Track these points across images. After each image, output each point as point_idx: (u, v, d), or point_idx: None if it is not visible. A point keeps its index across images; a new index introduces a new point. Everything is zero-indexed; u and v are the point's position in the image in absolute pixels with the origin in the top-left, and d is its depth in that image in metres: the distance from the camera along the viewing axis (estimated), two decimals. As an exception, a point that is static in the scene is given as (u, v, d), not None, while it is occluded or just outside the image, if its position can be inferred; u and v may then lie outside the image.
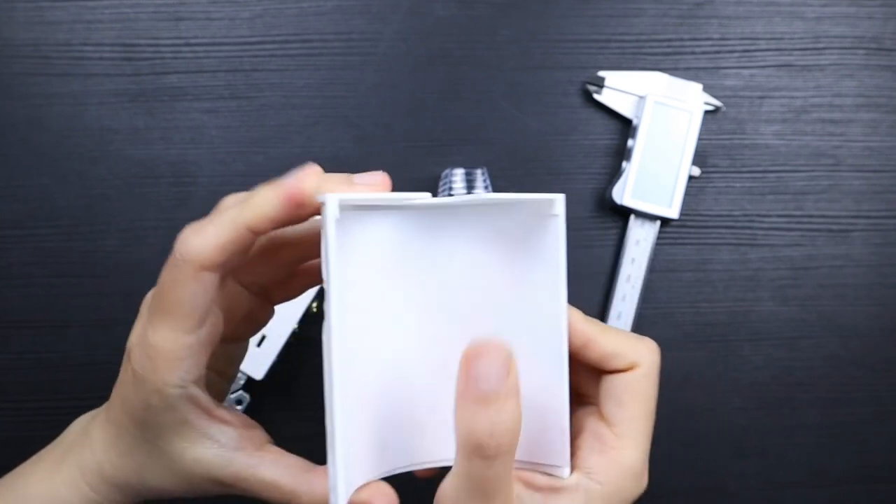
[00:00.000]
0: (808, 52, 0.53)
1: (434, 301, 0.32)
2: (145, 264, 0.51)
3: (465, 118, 0.52)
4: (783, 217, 0.53)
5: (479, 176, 0.50)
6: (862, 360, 0.53)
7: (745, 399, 0.53)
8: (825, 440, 0.53)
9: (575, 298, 0.53)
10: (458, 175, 0.50)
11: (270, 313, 0.36)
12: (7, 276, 0.50)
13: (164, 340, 0.29)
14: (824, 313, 0.53)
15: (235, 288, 0.34)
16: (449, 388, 0.27)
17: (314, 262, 0.35)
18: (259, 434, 0.33)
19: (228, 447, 0.31)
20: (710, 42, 0.53)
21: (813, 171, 0.53)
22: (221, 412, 0.32)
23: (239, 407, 0.48)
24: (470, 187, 0.50)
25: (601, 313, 0.52)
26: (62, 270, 0.50)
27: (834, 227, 0.53)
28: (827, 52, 0.53)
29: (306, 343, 0.49)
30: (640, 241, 0.51)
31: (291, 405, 0.51)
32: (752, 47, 0.53)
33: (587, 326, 0.32)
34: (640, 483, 0.32)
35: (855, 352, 0.53)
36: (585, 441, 0.31)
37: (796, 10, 0.53)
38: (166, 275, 0.29)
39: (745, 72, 0.53)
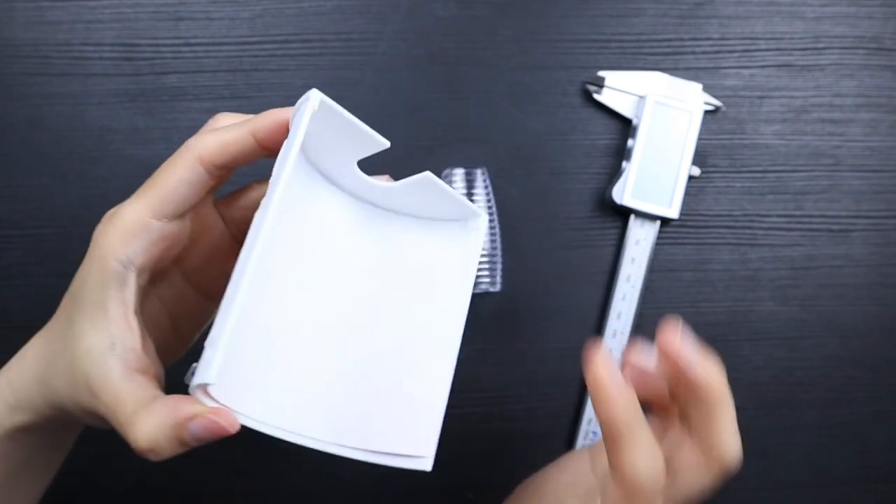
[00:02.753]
0: (808, 52, 0.53)
1: (348, 279, 0.32)
2: (145, 264, 0.51)
3: (465, 118, 0.52)
4: (783, 217, 0.53)
5: (479, 176, 0.50)
6: (862, 360, 0.53)
7: (745, 399, 0.53)
8: (825, 440, 0.53)
9: (575, 298, 0.53)
10: (458, 175, 0.50)
11: None
12: (7, 276, 0.50)
13: (131, 212, 0.30)
14: (824, 313, 0.53)
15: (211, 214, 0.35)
16: (331, 366, 0.29)
17: None
18: (151, 364, 0.31)
19: (117, 353, 0.29)
20: (710, 42, 0.53)
21: (813, 171, 0.53)
22: (134, 321, 0.30)
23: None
24: (470, 187, 0.50)
25: (601, 313, 0.52)
26: (62, 270, 0.50)
27: (834, 227, 0.53)
28: (827, 52, 0.53)
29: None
30: (640, 241, 0.51)
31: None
32: (752, 47, 0.53)
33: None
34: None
35: (855, 352, 0.53)
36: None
37: (796, 10, 0.53)
38: (167, 160, 0.31)
39: (745, 72, 0.53)
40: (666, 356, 0.31)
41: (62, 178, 0.50)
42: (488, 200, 0.50)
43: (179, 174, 0.30)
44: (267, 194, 0.29)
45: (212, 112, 0.51)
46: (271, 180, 0.29)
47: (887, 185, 0.53)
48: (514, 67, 0.52)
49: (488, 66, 0.52)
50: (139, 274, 0.31)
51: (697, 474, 0.31)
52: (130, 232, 0.30)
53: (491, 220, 0.50)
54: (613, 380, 0.29)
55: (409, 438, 0.31)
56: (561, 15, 0.52)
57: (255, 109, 0.51)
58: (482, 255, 0.49)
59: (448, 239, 0.33)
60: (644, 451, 0.29)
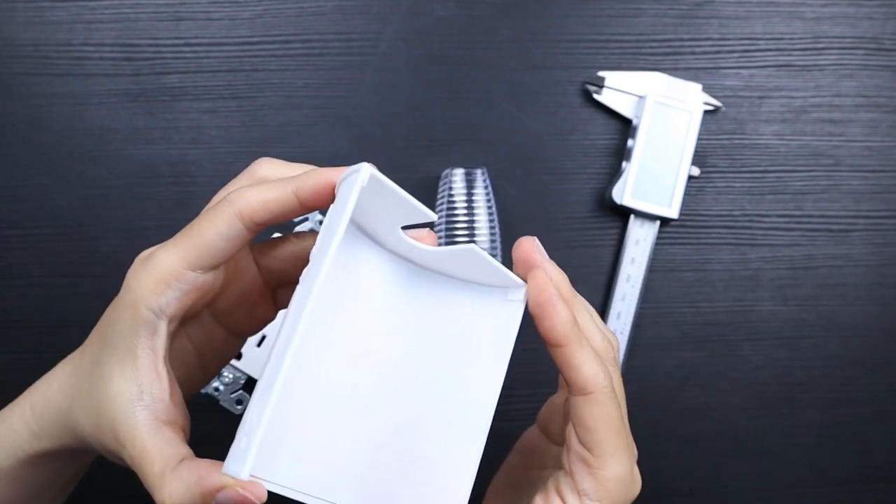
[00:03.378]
0: (808, 52, 0.53)
1: (381, 340, 0.32)
2: (145, 264, 0.51)
3: (465, 118, 0.52)
4: (783, 217, 0.53)
5: (479, 176, 0.50)
6: (862, 360, 0.53)
7: (745, 399, 0.53)
8: (825, 440, 0.53)
9: (575, 298, 0.53)
10: (458, 175, 0.50)
11: (272, 314, 0.36)
12: (7, 276, 0.50)
13: (167, 261, 0.30)
14: (824, 313, 0.53)
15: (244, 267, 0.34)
16: (359, 432, 0.30)
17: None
18: (179, 415, 0.31)
19: (144, 402, 0.30)
20: (709, 42, 0.53)
21: (812, 171, 0.53)
22: (164, 370, 0.31)
23: (239, 407, 0.48)
24: (470, 187, 0.50)
25: (601, 313, 0.52)
26: (62, 270, 0.50)
27: (834, 227, 0.53)
28: (826, 52, 0.53)
29: (306, 343, 0.49)
30: (639, 241, 0.51)
31: (291, 405, 0.51)
32: (752, 47, 0.53)
33: (567, 347, 0.31)
34: (632, 487, 0.32)
35: (855, 352, 0.53)
36: (575, 464, 0.32)
37: (796, 10, 0.53)
38: (207, 211, 0.31)
39: (745, 72, 0.53)
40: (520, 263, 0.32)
41: (62, 178, 0.50)
42: (488, 200, 0.50)
43: (218, 228, 0.30)
44: (312, 268, 0.28)
45: (212, 112, 0.51)
46: (315, 251, 0.28)
47: (887, 185, 0.53)
48: (514, 67, 0.52)
49: (488, 66, 0.52)
50: (170, 321, 0.31)
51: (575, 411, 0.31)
52: (164, 281, 0.30)
53: (491, 220, 0.50)
54: (552, 292, 0.30)
55: (433, 498, 0.31)
56: (561, 15, 0.52)
57: (255, 109, 0.51)
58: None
59: (487, 306, 0.32)
60: (590, 353, 0.31)
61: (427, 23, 0.52)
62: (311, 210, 0.31)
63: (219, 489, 0.28)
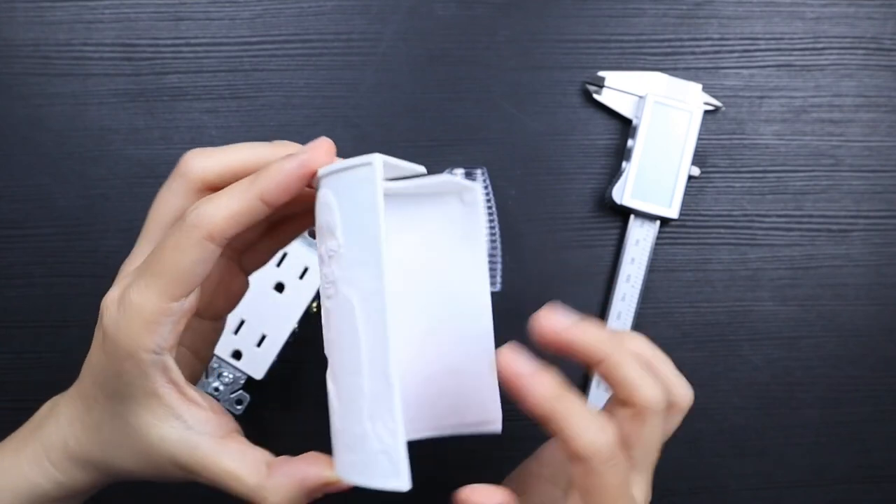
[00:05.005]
0: (808, 52, 0.53)
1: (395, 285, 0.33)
2: (145, 264, 0.51)
3: (465, 118, 0.52)
4: (783, 217, 0.53)
5: (479, 176, 0.50)
6: (861, 359, 0.53)
7: (745, 399, 0.53)
8: (825, 440, 0.53)
9: (575, 298, 0.53)
10: (458, 175, 0.50)
11: (244, 285, 0.35)
12: (7, 276, 0.50)
13: (148, 301, 0.29)
14: (824, 313, 0.53)
15: None
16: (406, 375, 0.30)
17: (286, 224, 0.35)
18: (228, 422, 0.32)
19: (195, 430, 0.30)
20: (710, 42, 0.53)
21: (813, 171, 0.53)
22: (192, 392, 0.31)
23: (239, 407, 0.48)
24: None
25: (601, 313, 0.52)
26: (62, 270, 0.50)
27: (834, 227, 0.53)
28: (827, 52, 0.53)
29: (306, 343, 0.49)
30: (639, 241, 0.51)
31: (291, 405, 0.51)
32: (752, 47, 0.53)
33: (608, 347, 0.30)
34: None
35: (854, 351, 0.53)
36: None
37: (796, 10, 0.53)
38: (168, 238, 0.29)
39: (745, 72, 0.53)
40: (551, 345, 0.31)
41: (62, 178, 0.50)
42: (488, 200, 0.50)
43: (192, 256, 0.28)
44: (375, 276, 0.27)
45: (212, 112, 0.51)
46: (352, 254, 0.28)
47: (887, 185, 0.53)
48: (514, 67, 0.52)
49: (488, 66, 0.52)
50: (170, 352, 0.30)
51: (634, 430, 0.30)
52: (153, 322, 0.29)
53: (491, 220, 0.50)
54: (524, 372, 0.29)
55: (476, 408, 0.32)
56: (561, 15, 0.52)
57: (255, 109, 0.51)
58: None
59: (451, 217, 0.32)
60: (584, 420, 0.28)
61: (427, 23, 0.52)
62: (280, 209, 0.30)
63: (322, 488, 0.30)
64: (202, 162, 0.32)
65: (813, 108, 0.53)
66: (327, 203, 0.29)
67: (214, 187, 0.31)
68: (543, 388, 0.29)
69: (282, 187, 0.29)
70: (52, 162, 0.50)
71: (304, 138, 0.51)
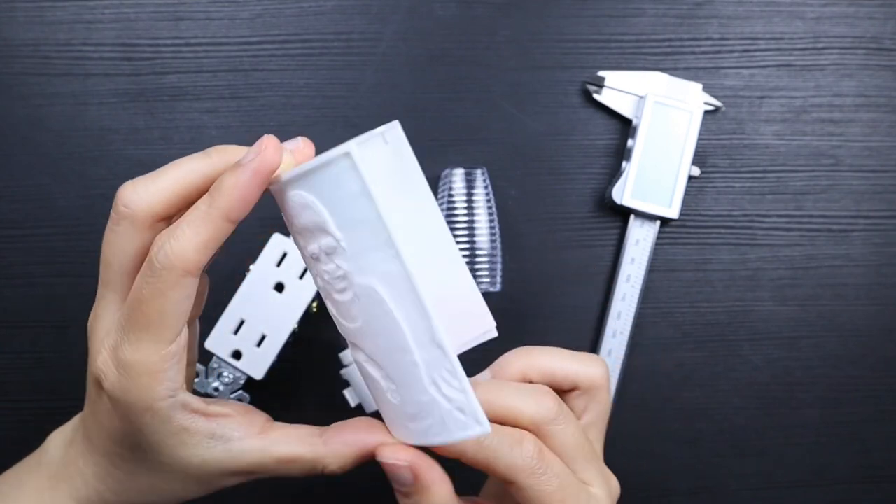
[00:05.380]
0: (808, 52, 0.53)
1: None
2: (145, 264, 0.51)
3: (465, 118, 0.52)
4: (783, 217, 0.53)
5: (479, 176, 0.50)
6: (861, 359, 0.53)
7: (745, 399, 0.53)
8: (825, 440, 0.53)
9: (575, 298, 0.53)
10: (458, 175, 0.50)
11: (206, 283, 0.35)
12: (7, 276, 0.50)
13: (147, 356, 0.28)
14: (824, 313, 0.53)
15: None
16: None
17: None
18: (258, 416, 0.32)
19: (234, 439, 0.31)
20: (710, 42, 0.53)
21: (813, 171, 0.53)
22: (216, 408, 0.31)
23: (239, 407, 0.48)
24: (470, 187, 0.50)
25: (601, 313, 0.52)
26: (62, 270, 0.50)
27: (834, 227, 0.53)
28: (827, 52, 0.53)
29: (306, 343, 0.49)
30: (639, 241, 0.51)
31: (291, 405, 0.51)
32: (752, 47, 0.53)
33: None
34: (592, 497, 0.31)
35: (854, 351, 0.53)
36: None
37: (796, 10, 0.53)
38: (144, 287, 0.28)
39: (745, 72, 0.53)
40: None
41: (62, 178, 0.50)
42: (488, 200, 0.50)
43: (174, 297, 0.28)
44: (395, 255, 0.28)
45: (212, 112, 0.51)
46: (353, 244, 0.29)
47: (887, 185, 0.53)
48: (514, 67, 0.52)
49: (488, 66, 0.52)
50: (182, 387, 0.30)
51: (548, 442, 0.30)
52: (158, 371, 0.28)
53: (491, 220, 0.50)
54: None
55: (474, 323, 0.33)
56: (561, 15, 0.52)
57: (255, 109, 0.51)
58: (482, 254, 0.49)
59: (388, 160, 0.33)
60: (501, 443, 0.29)
61: (427, 23, 0.52)
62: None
63: (377, 452, 0.31)
64: (144, 196, 0.29)
65: (813, 108, 0.53)
66: (306, 204, 0.29)
67: (164, 218, 0.30)
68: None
69: (243, 202, 0.28)
70: (52, 162, 0.50)
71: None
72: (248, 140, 0.51)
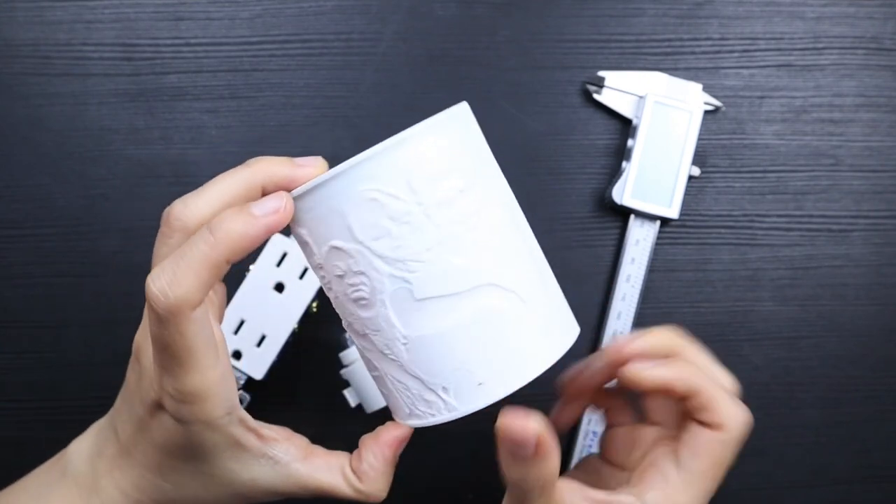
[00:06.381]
0: (808, 52, 0.53)
1: None
2: (145, 264, 0.50)
3: (465, 118, 0.52)
4: (783, 217, 0.53)
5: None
6: (861, 359, 0.53)
7: (745, 399, 0.53)
8: (825, 440, 0.53)
9: (575, 298, 0.53)
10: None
11: (223, 290, 0.38)
12: (7, 276, 0.50)
13: (200, 384, 0.30)
14: (824, 313, 0.53)
15: None
16: None
17: None
18: (300, 440, 0.35)
19: (282, 462, 0.33)
20: (710, 42, 0.53)
21: (813, 171, 0.53)
22: (267, 430, 0.33)
23: (239, 407, 0.48)
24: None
25: (601, 313, 0.52)
26: (62, 270, 0.50)
27: (834, 227, 0.53)
28: (827, 52, 0.53)
29: (306, 343, 0.49)
30: (639, 241, 0.51)
31: (291, 405, 0.51)
32: (752, 47, 0.53)
33: (700, 380, 0.34)
34: None
35: (854, 351, 0.53)
36: (653, 476, 0.34)
37: (796, 10, 0.53)
38: (160, 333, 0.29)
39: (745, 72, 0.53)
40: (647, 388, 0.35)
41: (62, 178, 0.50)
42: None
43: (192, 332, 0.29)
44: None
45: (212, 112, 0.51)
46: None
47: (887, 185, 0.53)
48: (514, 67, 0.52)
49: (488, 66, 0.52)
50: (238, 404, 0.32)
51: (714, 448, 0.34)
52: (214, 395, 0.31)
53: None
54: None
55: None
56: (561, 15, 0.52)
57: (255, 109, 0.51)
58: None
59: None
60: (730, 400, 0.35)
61: (427, 23, 0.52)
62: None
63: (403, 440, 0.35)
64: (194, 209, 0.32)
65: (813, 108, 0.53)
66: (387, 194, 0.31)
67: None
68: (686, 369, 0.34)
69: (246, 250, 0.30)
70: (52, 162, 0.50)
71: (304, 138, 0.51)
72: (248, 140, 0.52)
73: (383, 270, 0.31)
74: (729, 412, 0.34)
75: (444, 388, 0.33)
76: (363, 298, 0.32)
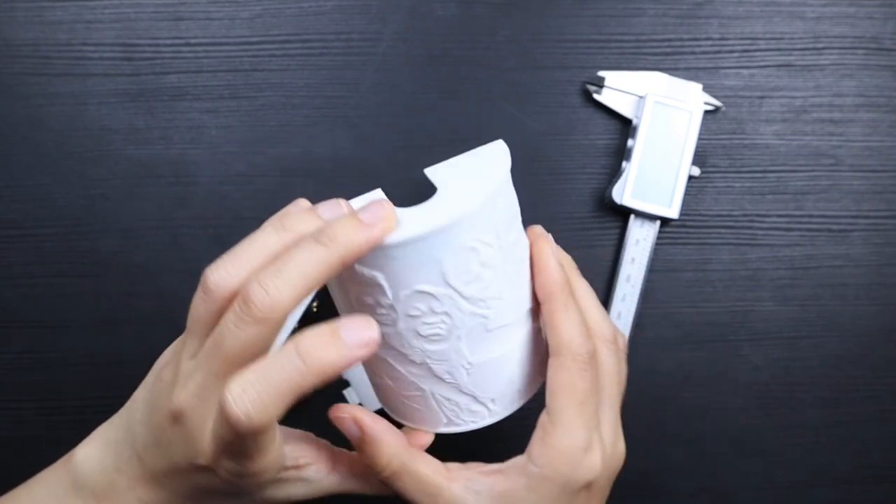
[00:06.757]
0: (808, 52, 0.53)
1: None
2: (145, 264, 0.51)
3: (465, 118, 0.52)
4: (783, 217, 0.53)
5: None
6: (861, 359, 0.53)
7: (745, 399, 0.53)
8: (825, 440, 0.53)
9: (575, 298, 0.53)
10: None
11: None
12: (7, 276, 0.50)
13: (259, 466, 0.31)
14: (824, 313, 0.53)
15: None
16: None
17: None
18: (325, 450, 0.37)
19: (314, 481, 0.36)
20: (710, 42, 0.53)
21: (813, 171, 0.53)
22: (301, 457, 0.36)
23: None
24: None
25: (601, 313, 0.52)
26: (62, 270, 0.50)
27: (834, 227, 0.53)
28: (827, 52, 0.53)
29: (306, 343, 0.49)
30: (639, 241, 0.51)
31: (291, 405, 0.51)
32: (752, 47, 0.53)
33: (560, 293, 0.35)
34: (584, 466, 0.33)
35: (854, 351, 0.53)
36: (535, 431, 0.34)
37: (796, 10, 0.53)
38: (234, 442, 0.29)
39: (745, 72, 0.53)
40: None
41: (62, 178, 0.50)
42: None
43: (266, 440, 0.31)
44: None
45: (212, 112, 0.51)
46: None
47: (887, 185, 0.53)
48: (514, 67, 0.52)
49: (488, 66, 0.52)
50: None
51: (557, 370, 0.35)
52: (276, 460, 0.33)
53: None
54: (553, 254, 0.35)
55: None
56: (561, 15, 0.52)
57: (255, 109, 0.51)
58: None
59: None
60: (574, 321, 0.34)
61: (427, 23, 0.52)
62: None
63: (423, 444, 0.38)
64: (231, 277, 0.30)
65: (813, 108, 0.53)
66: (483, 242, 0.33)
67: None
68: (557, 274, 0.34)
69: (333, 378, 0.30)
70: (52, 162, 0.50)
71: (304, 138, 0.51)
72: (248, 140, 0.52)
73: (466, 310, 0.33)
74: (566, 333, 0.34)
75: (492, 400, 0.36)
76: (438, 335, 0.33)
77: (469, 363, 0.34)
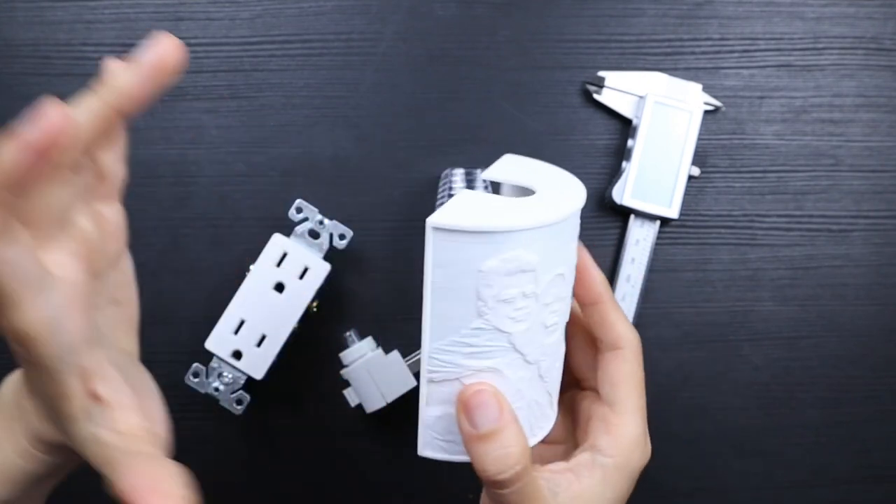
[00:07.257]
0: (808, 52, 0.53)
1: None
2: (145, 264, 0.51)
3: (465, 118, 0.52)
4: (783, 217, 0.53)
5: (479, 176, 0.50)
6: (861, 359, 0.53)
7: (745, 399, 0.53)
8: (825, 440, 0.53)
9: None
10: (458, 175, 0.50)
11: (116, 213, 0.32)
12: (7, 276, 0.50)
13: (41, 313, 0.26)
14: (824, 313, 0.53)
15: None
16: None
17: None
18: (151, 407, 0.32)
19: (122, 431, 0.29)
20: (710, 42, 0.53)
21: (813, 171, 0.53)
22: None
23: (239, 407, 0.48)
24: (470, 187, 0.49)
25: (601, 313, 0.52)
26: (62, 270, 0.50)
27: (834, 227, 0.53)
28: (827, 52, 0.53)
29: (306, 343, 0.49)
30: (639, 241, 0.51)
31: (292, 405, 0.51)
32: (752, 47, 0.53)
33: (607, 295, 0.37)
34: (644, 451, 0.35)
35: (854, 351, 0.53)
36: (593, 424, 0.35)
37: (796, 10, 0.53)
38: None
39: (745, 72, 0.53)
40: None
41: (62, 178, 0.50)
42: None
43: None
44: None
45: (212, 112, 0.51)
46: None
47: (887, 185, 0.53)
48: (514, 67, 0.52)
49: (488, 66, 0.52)
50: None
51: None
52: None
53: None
54: (593, 261, 0.37)
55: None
56: (561, 15, 0.52)
57: (255, 109, 0.51)
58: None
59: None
60: (624, 315, 0.37)
61: (427, 23, 0.52)
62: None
63: None
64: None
65: (813, 108, 0.53)
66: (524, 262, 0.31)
67: None
68: (601, 277, 0.36)
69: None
70: (52, 162, 0.50)
71: (304, 138, 0.51)
72: (248, 140, 0.52)
73: (568, 300, 0.35)
74: (622, 329, 0.36)
75: (552, 403, 0.36)
76: (556, 324, 0.34)
77: (560, 358, 0.36)
